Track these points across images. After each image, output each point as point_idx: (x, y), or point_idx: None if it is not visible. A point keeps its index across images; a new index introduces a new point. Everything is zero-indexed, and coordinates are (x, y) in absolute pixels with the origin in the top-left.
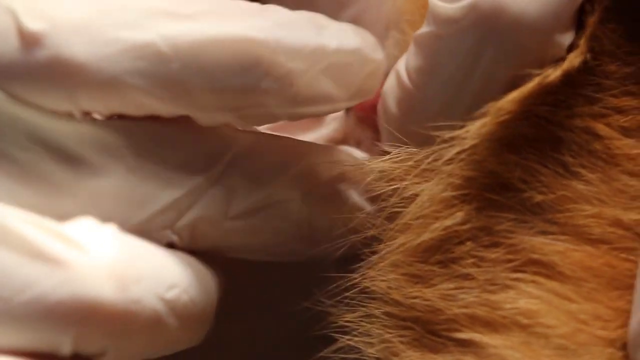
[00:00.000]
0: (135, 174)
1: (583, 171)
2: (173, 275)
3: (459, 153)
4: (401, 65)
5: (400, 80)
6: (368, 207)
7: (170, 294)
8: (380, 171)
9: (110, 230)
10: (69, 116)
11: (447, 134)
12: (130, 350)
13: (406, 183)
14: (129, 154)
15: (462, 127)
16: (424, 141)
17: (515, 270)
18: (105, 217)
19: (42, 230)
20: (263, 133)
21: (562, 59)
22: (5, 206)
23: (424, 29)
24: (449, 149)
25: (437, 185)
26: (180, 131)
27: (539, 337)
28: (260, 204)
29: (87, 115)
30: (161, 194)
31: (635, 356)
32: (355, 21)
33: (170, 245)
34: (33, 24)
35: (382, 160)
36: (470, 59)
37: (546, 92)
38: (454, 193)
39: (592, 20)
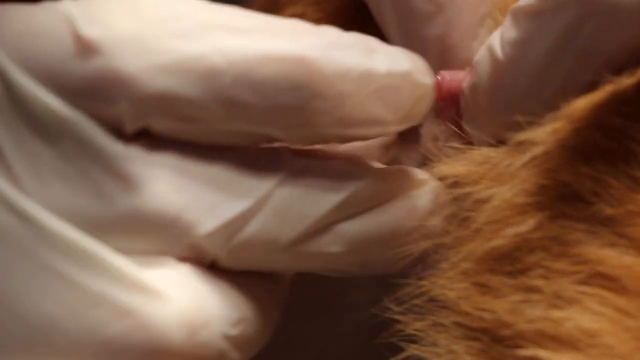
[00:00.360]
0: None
1: None
2: (239, 311)
3: (532, 159)
4: (495, 40)
5: (493, 54)
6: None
7: (236, 331)
8: (453, 175)
9: (184, 270)
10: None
11: (521, 137)
12: None
13: (479, 187)
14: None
15: (535, 128)
16: (507, 128)
17: (582, 283)
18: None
19: (119, 277)
20: (316, 154)
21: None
22: (99, 244)
23: (522, 2)
24: (522, 154)
25: (511, 190)
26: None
27: (600, 356)
28: (312, 229)
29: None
30: (225, 205)
31: None
32: (449, 25)
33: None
34: (90, 31)
35: (455, 163)
36: (568, 35)
37: (621, 102)
38: (527, 199)
39: None
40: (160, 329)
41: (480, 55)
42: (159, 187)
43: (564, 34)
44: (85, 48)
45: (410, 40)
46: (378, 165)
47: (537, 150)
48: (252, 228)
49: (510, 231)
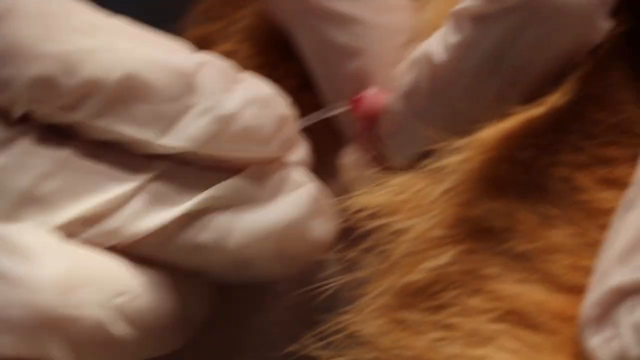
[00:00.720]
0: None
1: (564, 222)
2: (122, 283)
3: (448, 190)
4: (432, 46)
5: (431, 59)
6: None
7: (118, 301)
8: (372, 206)
9: (56, 238)
10: None
11: (436, 164)
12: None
13: (397, 218)
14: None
15: (449, 154)
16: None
17: (497, 320)
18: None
19: None
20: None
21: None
22: None
23: (465, 5)
24: (438, 184)
25: (428, 222)
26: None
27: None
28: (180, 219)
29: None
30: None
31: (584, 338)
32: (367, 57)
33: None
34: None
35: (373, 194)
36: (510, 38)
37: (531, 133)
38: (443, 232)
39: (587, 63)
40: (34, 287)
41: (414, 63)
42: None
43: (507, 38)
44: None
45: (327, 71)
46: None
47: (452, 179)
48: (119, 218)
49: (427, 265)
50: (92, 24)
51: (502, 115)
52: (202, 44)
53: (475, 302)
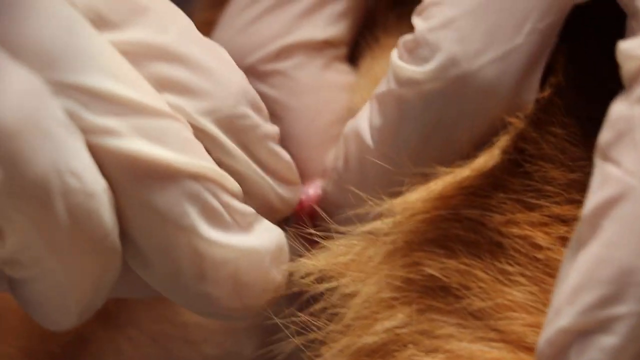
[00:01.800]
0: None
1: (523, 280)
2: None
3: (393, 251)
4: (362, 122)
5: (361, 138)
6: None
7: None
8: (319, 269)
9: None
10: None
11: (366, 227)
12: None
13: (345, 280)
14: None
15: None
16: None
17: None
18: None
19: None
20: None
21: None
22: None
23: (384, 87)
24: (377, 246)
25: (375, 285)
26: None
27: None
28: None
29: None
30: None
31: None
32: (286, 135)
33: None
34: None
35: (318, 256)
36: (432, 122)
37: (470, 194)
38: (393, 294)
39: (517, 123)
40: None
41: (347, 136)
42: None
43: (428, 121)
44: None
45: None
46: None
47: (388, 241)
48: (117, 112)
49: (380, 327)
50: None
51: (430, 178)
52: (207, 29)
53: None
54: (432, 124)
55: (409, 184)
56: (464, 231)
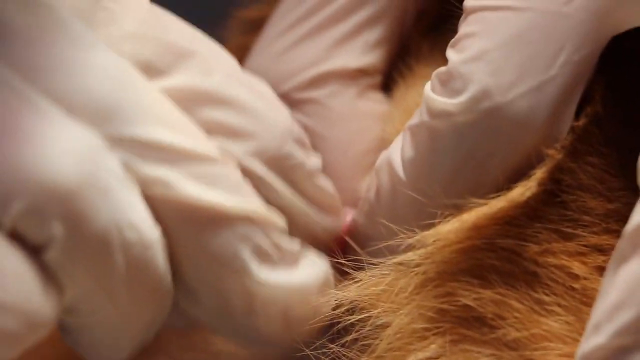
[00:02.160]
0: None
1: (559, 310)
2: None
3: (425, 281)
4: (394, 154)
5: (393, 170)
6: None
7: (128, 233)
8: (350, 299)
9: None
10: None
11: (402, 258)
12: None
13: (377, 311)
14: None
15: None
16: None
17: None
18: None
19: None
20: None
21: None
22: None
23: (417, 119)
24: (409, 277)
25: (407, 316)
26: None
27: None
28: None
29: None
30: None
31: None
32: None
33: None
34: None
35: (349, 287)
36: (464, 154)
37: (505, 224)
38: (426, 324)
39: (554, 154)
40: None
41: (380, 167)
42: None
43: (460, 154)
44: None
45: None
46: None
47: (421, 271)
48: (174, 165)
49: (413, 358)
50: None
51: (463, 209)
52: (242, 54)
53: None
54: (465, 156)
55: (442, 216)
56: (498, 261)
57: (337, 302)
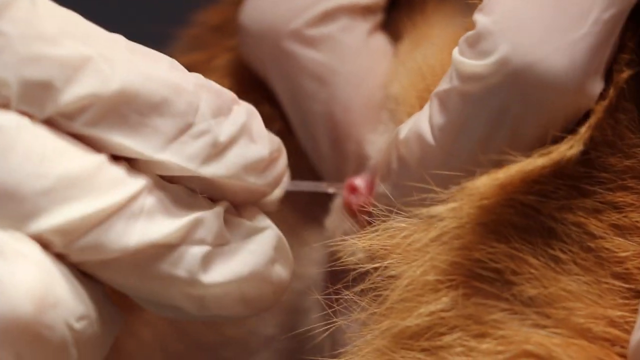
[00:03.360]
0: None
1: (576, 269)
2: (84, 307)
3: (440, 235)
4: (422, 123)
5: (422, 138)
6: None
7: (79, 326)
8: (365, 248)
9: (36, 248)
10: None
11: (425, 212)
12: None
13: (389, 262)
14: None
15: (439, 204)
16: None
17: None
18: None
19: None
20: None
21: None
22: None
23: (447, 85)
24: (431, 229)
25: (420, 268)
26: None
27: None
28: (155, 246)
29: None
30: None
31: None
32: (332, 101)
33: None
34: None
35: (366, 237)
36: (497, 115)
37: (531, 181)
38: (438, 277)
39: (599, 108)
40: (10, 295)
41: (406, 138)
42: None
43: (492, 116)
44: None
45: (301, 117)
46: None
47: (442, 226)
48: (98, 232)
49: (424, 310)
50: (88, 33)
51: (498, 166)
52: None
53: (481, 344)
54: (497, 118)
55: (473, 177)
56: (517, 216)
57: (352, 250)
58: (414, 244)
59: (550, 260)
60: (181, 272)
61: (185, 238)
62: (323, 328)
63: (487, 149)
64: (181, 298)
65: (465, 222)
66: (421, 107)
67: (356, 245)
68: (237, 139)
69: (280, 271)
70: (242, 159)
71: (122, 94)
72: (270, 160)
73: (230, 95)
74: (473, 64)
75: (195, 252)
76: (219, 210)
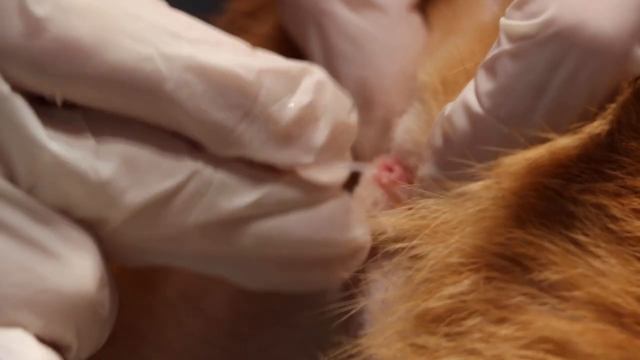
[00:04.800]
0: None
1: (599, 251)
2: (113, 289)
3: (468, 217)
4: (469, 95)
5: (470, 108)
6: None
7: (112, 306)
8: (392, 226)
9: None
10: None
11: (460, 189)
12: None
13: (416, 242)
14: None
15: (474, 181)
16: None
17: (524, 348)
18: None
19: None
20: None
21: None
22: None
23: (495, 51)
24: (458, 211)
25: (445, 249)
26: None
27: None
28: (223, 220)
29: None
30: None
31: None
32: (366, 66)
33: None
34: (38, 9)
35: (396, 215)
36: (547, 74)
37: (560, 163)
38: (461, 260)
39: (628, 89)
40: (81, 277)
41: (451, 113)
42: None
43: (542, 75)
44: (34, 25)
45: (334, 80)
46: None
47: (472, 206)
48: (170, 207)
49: (446, 292)
50: (150, 27)
51: (530, 144)
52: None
53: (500, 330)
54: (546, 78)
55: (520, 145)
56: (538, 199)
57: (380, 229)
58: (443, 225)
59: (570, 244)
60: (247, 242)
61: (249, 215)
62: (342, 306)
63: (535, 113)
64: (257, 266)
65: (492, 204)
66: (446, 92)
67: (387, 223)
68: (297, 122)
69: (358, 232)
70: (297, 141)
71: (177, 93)
72: (331, 141)
73: (298, 69)
74: (522, 24)
75: (261, 225)
76: (286, 183)
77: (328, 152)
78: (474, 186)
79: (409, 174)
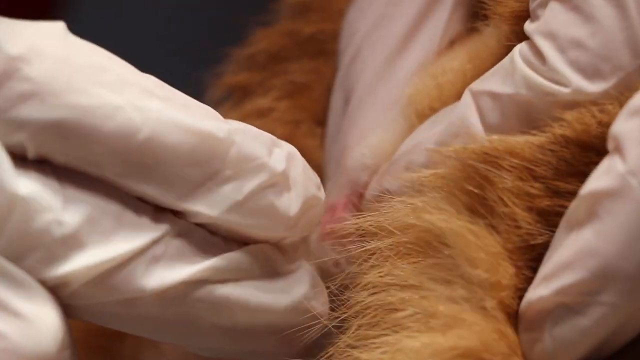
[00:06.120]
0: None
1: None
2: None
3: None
4: (472, 119)
5: (472, 136)
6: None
7: None
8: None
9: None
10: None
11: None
12: None
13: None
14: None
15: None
16: None
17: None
18: None
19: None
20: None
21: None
22: None
23: (508, 89)
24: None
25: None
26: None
27: None
28: (182, 283)
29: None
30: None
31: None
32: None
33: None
34: (13, 49)
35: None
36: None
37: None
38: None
39: (585, 107)
40: (41, 337)
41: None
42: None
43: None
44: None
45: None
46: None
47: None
48: (127, 270)
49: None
50: (120, 79)
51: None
52: (239, 92)
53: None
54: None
55: None
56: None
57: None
58: (395, 220)
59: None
60: (200, 310)
61: (205, 279)
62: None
63: None
64: (207, 335)
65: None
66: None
67: (358, 223)
68: (267, 187)
69: (317, 304)
70: (267, 210)
71: (150, 143)
72: (302, 214)
73: (270, 137)
74: (549, 86)
75: (217, 291)
76: (246, 252)
77: (298, 226)
78: (425, 173)
79: (356, 195)
